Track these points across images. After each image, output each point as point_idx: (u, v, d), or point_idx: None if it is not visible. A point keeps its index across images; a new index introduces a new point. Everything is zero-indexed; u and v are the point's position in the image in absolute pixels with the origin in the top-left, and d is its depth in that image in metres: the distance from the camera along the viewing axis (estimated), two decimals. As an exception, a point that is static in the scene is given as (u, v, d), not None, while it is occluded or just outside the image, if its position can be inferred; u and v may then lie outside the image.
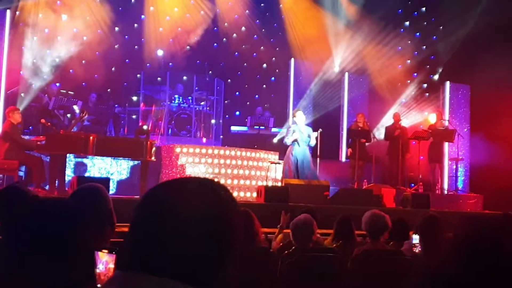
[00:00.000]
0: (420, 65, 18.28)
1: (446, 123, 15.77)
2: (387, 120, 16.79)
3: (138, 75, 16.68)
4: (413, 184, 15.06)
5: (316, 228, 5.52)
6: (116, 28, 16.44)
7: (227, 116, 18.08)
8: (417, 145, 14.78)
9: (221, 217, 1.39)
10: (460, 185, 16.36)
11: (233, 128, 16.95)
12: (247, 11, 18.10)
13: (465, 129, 16.99)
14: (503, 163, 15.10)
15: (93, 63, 15.57)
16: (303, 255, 5.06)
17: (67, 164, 11.33)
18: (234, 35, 18.16)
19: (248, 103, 18.66)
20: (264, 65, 18.67)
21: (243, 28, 18.21)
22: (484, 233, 1.41)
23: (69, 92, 14.77)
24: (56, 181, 10.55)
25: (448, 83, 17.49)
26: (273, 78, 18.87)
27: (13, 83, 13.58)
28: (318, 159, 13.42)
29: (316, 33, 17.32)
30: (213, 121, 16.80)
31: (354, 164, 14.29)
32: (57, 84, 14.73)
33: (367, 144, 14.63)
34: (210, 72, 17.44)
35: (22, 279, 1.86)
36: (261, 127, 16.03)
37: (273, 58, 18.58)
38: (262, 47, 18.37)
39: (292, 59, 17.75)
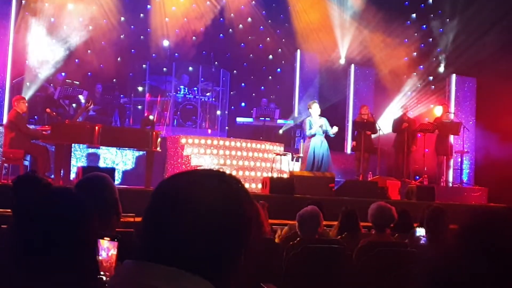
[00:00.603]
0: (426, 57, 18.21)
1: (452, 116, 15.73)
2: (392, 112, 16.75)
3: (144, 66, 16.69)
4: (418, 177, 15.04)
5: (322, 220, 5.53)
6: (122, 18, 16.41)
7: (232, 107, 18.08)
8: (423, 137, 14.75)
9: (234, 208, 1.40)
10: (465, 177, 16.34)
11: (239, 119, 16.94)
12: (253, 1, 18.04)
13: (471, 122, 16.95)
14: (508, 156, 15.06)
15: (99, 53, 15.56)
16: (308, 247, 5.06)
17: (73, 154, 11.35)
18: (240, 26, 18.11)
19: (253, 94, 18.65)
20: (270, 56, 18.64)
21: (249, 19, 18.15)
22: (490, 225, 1.41)
23: (74, 82, 14.77)
24: (61, 171, 10.57)
25: (454, 76, 17.45)
26: (279, 69, 18.84)
27: (18, 73, 13.60)
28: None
29: (323, 25, 17.28)
30: (218, 112, 16.79)
31: (359, 156, 14.29)
32: (63, 74, 14.74)
33: (372, 136, 14.60)
34: (216, 63, 17.41)
35: (28, 267, 1.87)
36: (266, 119, 16.02)
37: (279, 50, 18.54)
38: (268, 38, 18.32)
39: (298, 51, 17.73)
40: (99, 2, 15.58)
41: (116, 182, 11.33)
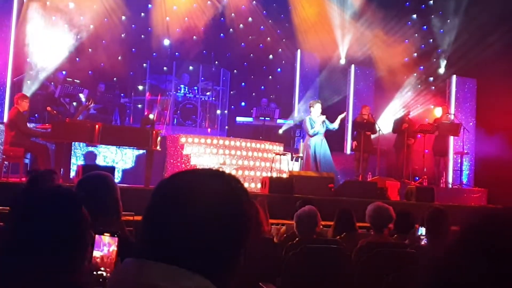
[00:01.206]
0: (426, 58, 18.22)
1: (452, 117, 15.73)
2: (391, 112, 16.77)
3: (145, 65, 16.70)
4: (417, 178, 15.05)
5: (320, 219, 5.54)
6: (123, 17, 16.41)
7: (232, 106, 18.09)
8: (422, 138, 14.76)
9: (234, 208, 1.41)
10: (464, 179, 16.35)
11: (239, 119, 16.94)
12: (254, 1, 18.05)
13: (471, 123, 16.96)
14: (508, 157, 15.08)
15: (99, 51, 15.58)
16: (307, 247, 5.08)
17: (73, 152, 11.37)
18: (241, 25, 18.11)
19: (253, 94, 18.66)
20: (270, 56, 18.65)
21: (250, 19, 18.16)
22: (491, 225, 1.41)
23: (75, 80, 14.78)
24: (61, 169, 10.57)
25: (454, 77, 17.46)
26: (279, 69, 18.85)
27: (19, 71, 13.61)
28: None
29: (323, 25, 17.30)
30: (218, 111, 16.80)
31: (359, 157, 14.30)
32: (64, 72, 14.74)
33: (372, 136, 14.61)
34: (216, 62, 17.43)
35: (25, 266, 1.88)
36: (266, 118, 16.02)
37: (280, 49, 18.55)
38: (268, 38, 18.33)
39: (299, 51, 17.75)
40: (101, 1, 15.59)
41: (116, 181, 11.32)
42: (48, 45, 14.28)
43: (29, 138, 10.67)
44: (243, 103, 18.62)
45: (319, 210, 5.67)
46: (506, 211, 1.43)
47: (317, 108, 12.72)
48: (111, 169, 10.13)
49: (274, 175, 12.56)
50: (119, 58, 16.15)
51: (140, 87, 16.76)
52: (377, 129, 14.28)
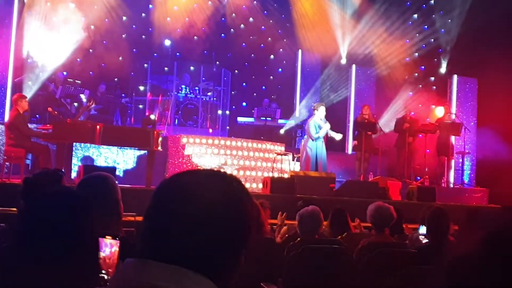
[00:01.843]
0: (427, 58, 18.21)
1: (453, 117, 15.71)
2: (393, 112, 16.76)
3: (146, 65, 16.70)
4: (419, 177, 15.04)
5: (323, 220, 5.53)
6: (124, 18, 16.42)
7: (233, 107, 18.09)
8: (424, 138, 14.75)
9: (235, 208, 1.41)
10: (466, 178, 16.33)
11: (240, 119, 16.94)
12: (255, 2, 18.05)
13: (472, 123, 16.95)
14: (510, 157, 15.07)
15: (100, 52, 15.57)
16: (309, 247, 5.07)
17: (74, 153, 11.37)
18: (242, 26, 18.10)
19: (255, 94, 18.65)
20: (271, 56, 18.64)
21: (251, 19, 18.16)
22: None
23: (76, 81, 14.78)
24: (63, 170, 10.56)
25: (455, 77, 17.45)
26: (280, 69, 18.83)
27: (20, 71, 13.61)
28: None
29: (324, 25, 17.29)
30: (219, 111, 16.80)
31: (360, 157, 14.29)
32: (64, 73, 14.75)
33: (373, 136, 14.60)
34: (218, 62, 17.44)
35: (28, 266, 1.87)
36: (267, 119, 16.03)
37: (281, 49, 18.54)
38: (269, 38, 18.32)
39: (300, 51, 17.74)
40: (101, 1, 15.59)
41: (117, 181, 11.33)
42: (48, 46, 14.29)
43: (30, 139, 10.67)
44: (244, 103, 18.62)
45: (320, 210, 5.66)
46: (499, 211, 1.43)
47: (321, 110, 12.65)
48: (112, 170, 10.13)
49: (276, 175, 12.56)
50: (120, 58, 16.15)
51: (141, 88, 16.77)
52: (378, 128, 14.27)
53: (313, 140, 12.48)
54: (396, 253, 5.12)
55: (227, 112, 17.48)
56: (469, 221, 4.59)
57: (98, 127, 10.57)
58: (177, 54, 17.53)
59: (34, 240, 1.93)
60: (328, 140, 13.04)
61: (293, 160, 13.83)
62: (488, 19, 16.00)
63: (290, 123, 16.78)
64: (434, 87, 18.09)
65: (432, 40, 18.24)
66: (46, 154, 10.56)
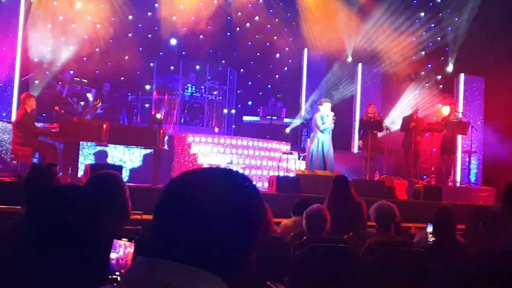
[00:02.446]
0: (434, 56, 18.17)
1: (460, 115, 15.67)
2: (399, 111, 16.73)
3: (152, 64, 16.72)
4: (425, 176, 15.00)
5: (329, 218, 5.52)
6: (130, 17, 16.44)
7: (239, 105, 18.09)
8: (430, 137, 14.72)
9: (244, 205, 1.41)
10: (472, 177, 16.29)
11: (245, 118, 16.94)
12: (260, 0, 18.05)
13: (479, 122, 16.91)
14: (517, 156, 15.03)
15: (106, 51, 15.60)
16: (315, 245, 5.07)
17: (80, 152, 11.39)
18: (248, 24, 18.11)
19: (260, 93, 18.65)
20: (277, 55, 18.62)
21: (257, 18, 18.15)
22: None
23: (82, 80, 14.82)
24: (69, 168, 10.60)
25: (462, 75, 17.41)
26: (286, 68, 18.82)
27: (27, 70, 13.65)
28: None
29: (330, 24, 17.25)
30: (225, 110, 16.81)
31: (366, 155, 14.27)
32: (71, 72, 14.78)
33: (378, 135, 14.57)
34: (223, 61, 17.44)
35: (37, 265, 1.88)
36: (273, 117, 16.03)
37: (286, 48, 18.52)
38: (275, 37, 18.31)
39: (306, 49, 17.73)
40: (108, 0, 15.61)
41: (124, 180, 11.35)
42: (55, 45, 14.33)
43: (37, 137, 10.71)
44: (250, 102, 18.62)
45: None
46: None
47: (326, 106, 12.67)
48: (119, 168, 10.13)
49: (281, 174, 12.55)
50: (126, 57, 16.18)
51: (147, 87, 16.79)
52: (384, 127, 14.25)
53: (320, 131, 12.46)
54: (402, 252, 5.12)
55: (233, 111, 17.49)
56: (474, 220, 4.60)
57: (104, 126, 10.58)
58: (183, 53, 17.54)
59: (40, 238, 1.93)
60: (334, 138, 13.03)
61: (298, 159, 13.82)
62: (495, 17, 15.96)
63: (296, 121, 16.77)
64: (441, 85, 18.05)
65: (439, 38, 18.20)
66: (53, 153, 10.59)
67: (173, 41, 17.23)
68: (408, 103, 16.77)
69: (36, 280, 1.85)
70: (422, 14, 18.18)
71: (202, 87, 16.37)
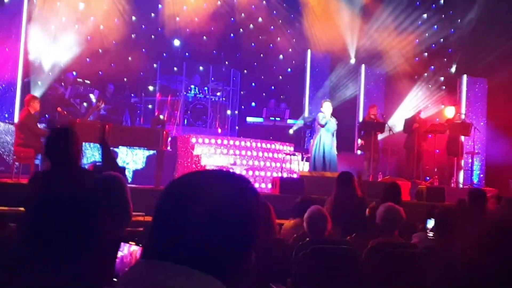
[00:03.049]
0: (437, 58, 18.17)
1: (463, 117, 15.64)
2: (402, 112, 16.72)
3: (155, 65, 16.75)
4: (428, 178, 14.98)
5: (329, 219, 5.51)
6: (133, 18, 16.46)
7: (242, 107, 18.10)
8: (433, 138, 14.70)
9: (244, 208, 1.41)
10: (475, 179, 16.27)
11: (249, 119, 16.95)
12: (264, 1, 18.07)
13: (482, 123, 16.89)
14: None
15: (110, 52, 15.62)
16: (317, 247, 5.06)
17: (83, 153, 11.39)
18: (251, 26, 18.13)
19: (264, 94, 18.66)
20: (281, 56, 18.63)
21: (260, 19, 18.18)
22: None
23: (85, 81, 14.83)
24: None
25: (465, 77, 17.39)
26: (289, 69, 18.83)
27: (29, 71, 13.67)
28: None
29: (333, 25, 17.27)
30: (228, 112, 16.81)
31: (369, 156, 14.25)
32: (74, 73, 14.80)
33: (379, 136, 14.55)
34: (227, 62, 17.46)
35: (41, 266, 1.88)
36: (276, 119, 16.03)
37: (290, 49, 18.53)
38: (278, 38, 18.33)
39: (309, 50, 17.74)
40: (111, 1, 15.63)
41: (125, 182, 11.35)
42: (58, 46, 14.34)
43: (39, 139, 10.70)
44: (253, 103, 18.63)
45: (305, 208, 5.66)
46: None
47: (325, 106, 12.65)
48: (122, 170, 10.12)
49: (285, 175, 12.55)
50: (130, 58, 16.20)
51: (151, 88, 16.81)
52: (387, 128, 14.24)
53: (322, 126, 12.44)
54: (405, 254, 5.11)
55: (236, 112, 17.49)
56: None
57: (107, 127, 10.59)
58: (186, 54, 17.56)
59: (43, 239, 1.94)
60: (338, 139, 13.02)
61: (302, 160, 13.82)
62: (498, 19, 15.95)
63: (299, 123, 16.77)
64: (444, 87, 18.04)
65: (442, 40, 18.20)
66: (56, 154, 10.58)
67: (177, 42, 17.26)
68: (410, 104, 16.75)
69: (41, 282, 1.86)
70: (425, 15, 18.18)
71: (206, 88, 16.38)
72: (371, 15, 17.64)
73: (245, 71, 18.17)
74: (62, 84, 14.30)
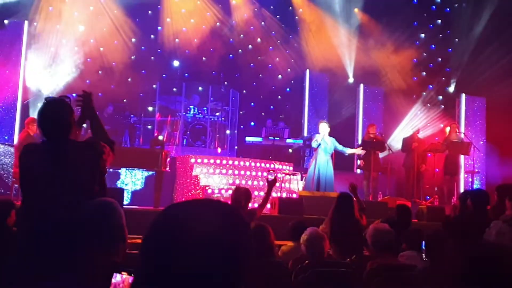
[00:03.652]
0: (435, 77, 18.23)
1: (462, 136, 15.65)
2: (401, 131, 16.74)
3: (154, 86, 16.78)
4: (428, 197, 14.95)
5: (328, 241, 5.50)
6: (133, 39, 16.55)
7: (242, 126, 18.10)
8: (433, 157, 14.69)
9: (231, 237, 1.41)
10: (475, 198, 16.20)
11: (248, 138, 16.93)
12: (262, 22, 18.17)
13: (481, 142, 16.89)
14: (520, 176, 14.99)
15: (109, 73, 15.67)
16: (316, 270, 5.04)
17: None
18: (250, 46, 18.22)
19: (263, 113, 18.68)
20: (279, 76, 18.69)
21: (259, 40, 18.28)
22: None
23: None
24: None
25: (463, 95, 17.43)
26: (288, 89, 18.88)
27: (29, 94, 13.71)
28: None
29: (331, 46, 17.38)
30: (228, 131, 16.82)
31: (368, 176, 14.23)
32: (74, 95, 14.80)
33: (380, 155, 14.54)
34: (226, 83, 17.51)
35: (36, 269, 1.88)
36: (275, 138, 16.03)
37: (288, 69, 18.59)
38: (277, 58, 18.41)
39: (307, 70, 17.80)
40: (111, 23, 15.72)
41: (125, 203, 11.34)
42: (58, 68, 14.39)
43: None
44: (252, 123, 18.66)
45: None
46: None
47: (321, 127, 12.58)
48: (120, 191, 10.12)
49: (284, 195, 12.52)
50: (129, 79, 16.25)
51: (150, 108, 16.83)
52: (387, 148, 14.24)
53: (314, 149, 12.41)
54: (404, 276, 5.08)
55: (235, 132, 17.50)
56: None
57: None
58: (186, 74, 17.62)
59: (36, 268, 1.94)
60: (336, 158, 13.01)
61: (301, 180, 13.79)
62: (495, 38, 16.03)
63: (298, 142, 16.76)
64: (442, 106, 18.08)
65: (440, 59, 18.27)
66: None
67: (176, 63, 17.32)
68: (409, 123, 16.77)
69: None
70: (423, 35, 18.28)
71: (205, 108, 16.41)
72: (368, 35, 17.75)
73: (244, 91, 18.22)
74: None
